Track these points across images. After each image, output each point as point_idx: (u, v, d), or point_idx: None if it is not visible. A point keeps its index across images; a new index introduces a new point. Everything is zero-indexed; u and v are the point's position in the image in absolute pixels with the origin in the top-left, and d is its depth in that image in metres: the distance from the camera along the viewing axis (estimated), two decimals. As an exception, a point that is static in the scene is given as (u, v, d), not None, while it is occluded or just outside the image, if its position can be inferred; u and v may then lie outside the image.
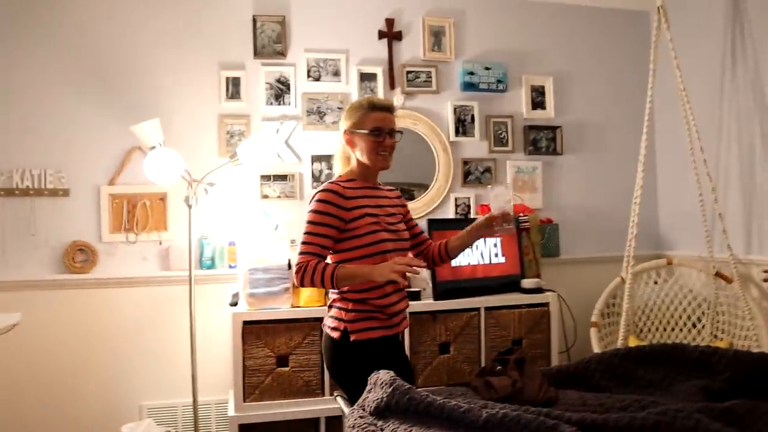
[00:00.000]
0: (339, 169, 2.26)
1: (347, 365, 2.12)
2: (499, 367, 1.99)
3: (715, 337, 3.40)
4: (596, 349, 3.31)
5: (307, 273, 2.00)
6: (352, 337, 2.09)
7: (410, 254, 2.34)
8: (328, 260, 2.10)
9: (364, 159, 2.15)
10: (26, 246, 3.17)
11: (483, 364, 3.12)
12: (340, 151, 2.26)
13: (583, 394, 1.77)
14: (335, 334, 2.11)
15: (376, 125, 2.12)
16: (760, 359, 1.80)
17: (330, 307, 2.21)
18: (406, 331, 3.05)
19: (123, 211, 3.28)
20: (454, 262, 3.21)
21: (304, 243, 2.05)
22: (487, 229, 2.22)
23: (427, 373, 3.13)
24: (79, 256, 3.22)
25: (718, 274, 3.38)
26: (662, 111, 3.94)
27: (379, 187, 2.27)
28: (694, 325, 3.51)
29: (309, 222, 2.06)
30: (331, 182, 2.15)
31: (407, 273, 1.94)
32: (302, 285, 2.03)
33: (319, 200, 2.07)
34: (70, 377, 3.20)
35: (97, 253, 3.24)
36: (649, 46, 3.50)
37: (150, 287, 3.30)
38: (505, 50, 3.87)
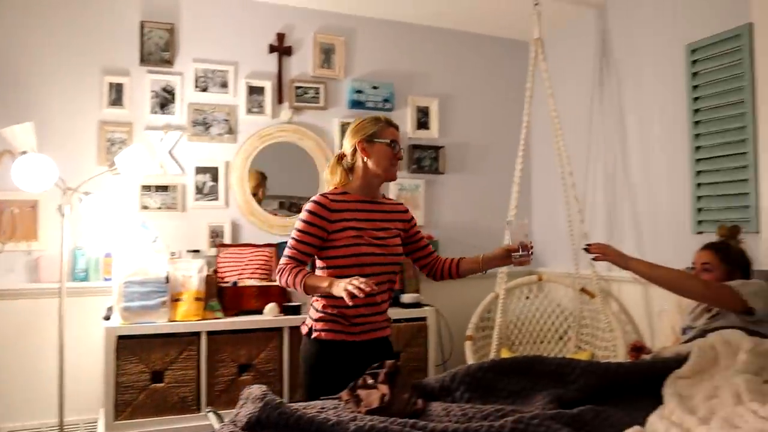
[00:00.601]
0: (327, 179, 2.36)
1: (308, 361, 2.27)
2: (370, 381, 2.03)
3: (579, 348, 3.64)
4: (470, 361, 3.45)
5: (283, 275, 2.16)
6: (314, 335, 2.24)
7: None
8: (319, 264, 2.27)
9: (379, 169, 2.26)
10: None
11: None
12: (333, 163, 2.34)
13: (448, 405, 1.85)
14: (304, 330, 2.29)
15: (393, 138, 2.28)
16: (608, 369, 1.97)
17: (310, 305, 2.35)
18: (284, 344, 3.06)
19: (-11, 219, 3.09)
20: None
21: (288, 248, 2.22)
22: (504, 259, 2.37)
23: (308, 387, 3.14)
24: (-62, 267, 2.99)
25: (583, 290, 3.63)
26: (538, 136, 4.20)
27: (379, 201, 2.36)
28: (561, 338, 3.74)
29: (296, 229, 2.22)
30: (322, 194, 2.26)
31: (355, 293, 1.99)
32: (281, 284, 2.20)
33: (307, 210, 2.22)
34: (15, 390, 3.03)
35: (-31, 262, 3.02)
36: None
37: (17, 300, 3.11)
38: (393, 71, 3.99)
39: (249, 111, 3.59)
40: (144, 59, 3.40)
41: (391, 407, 1.89)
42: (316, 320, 2.26)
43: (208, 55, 3.55)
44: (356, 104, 3.82)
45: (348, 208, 2.24)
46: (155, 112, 3.41)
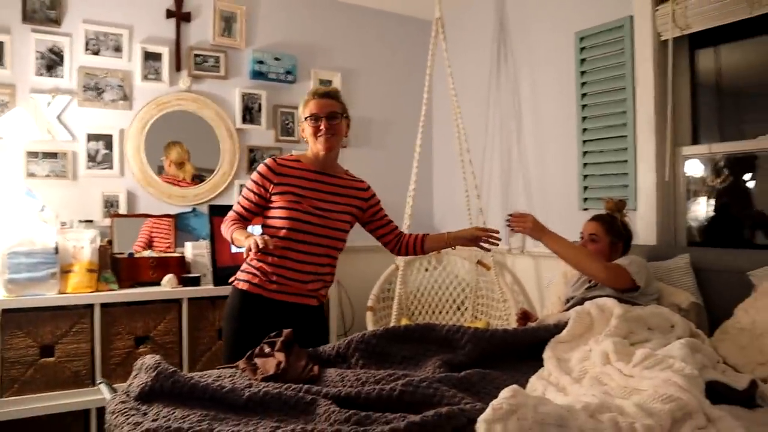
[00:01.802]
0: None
1: (227, 309, 2.40)
2: (267, 350, 2.07)
3: (476, 317, 3.81)
4: (370, 331, 3.54)
5: (223, 225, 2.35)
6: (235, 283, 2.38)
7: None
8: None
9: (310, 144, 2.38)
10: None
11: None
12: None
13: (343, 371, 1.91)
14: (231, 279, 2.42)
15: (311, 112, 2.35)
16: (494, 336, 2.09)
17: None
18: (183, 316, 3.06)
19: None
20: (235, 249, 3.24)
21: (236, 203, 2.40)
22: (472, 241, 2.51)
23: (206, 359, 3.13)
24: None
25: (479, 262, 3.79)
26: (439, 113, 4.31)
27: (336, 174, 2.45)
28: (458, 308, 3.90)
29: (245, 187, 2.40)
30: (272, 157, 2.41)
31: (253, 248, 2.10)
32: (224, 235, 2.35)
33: (255, 171, 2.38)
34: None
35: None
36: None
37: None
38: (296, 43, 3.95)
39: (145, 77, 3.46)
40: (27, 17, 3.19)
41: (287, 374, 1.93)
42: (242, 271, 2.39)
43: (100, 16, 3.37)
44: (258, 75, 3.77)
45: (294, 174, 2.36)
46: (41, 74, 3.21)
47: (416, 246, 2.59)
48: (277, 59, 3.84)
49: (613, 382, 1.70)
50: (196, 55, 3.61)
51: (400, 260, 3.71)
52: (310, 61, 4.00)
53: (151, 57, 3.48)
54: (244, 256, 2.23)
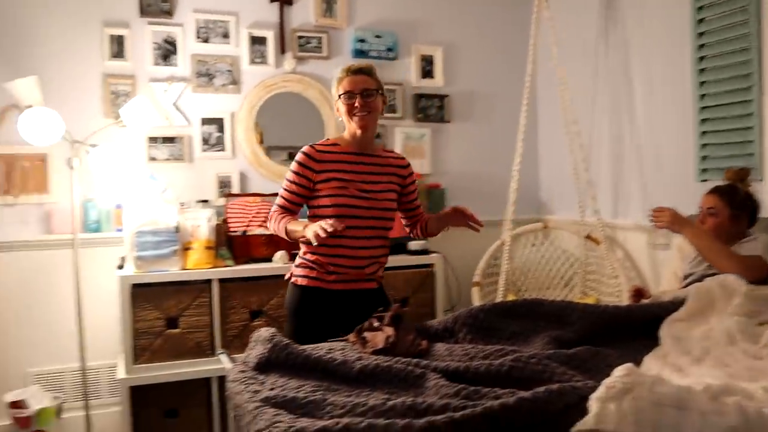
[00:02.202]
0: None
1: (287, 305, 2.40)
2: (376, 324, 2.10)
3: (585, 294, 3.71)
4: (476, 306, 3.53)
5: (271, 222, 2.31)
6: (292, 279, 2.37)
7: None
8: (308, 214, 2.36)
9: (346, 123, 2.33)
10: None
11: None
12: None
13: (451, 345, 1.91)
14: (287, 275, 2.42)
15: (345, 89, 2.28)
16: (605, 312, 2.02)
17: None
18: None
19: (0, 173, 3.14)
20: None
21: (278, 197, 2.35)
22: (455, 218, 2.42)
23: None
24: (-49, 219, 3.07)
25: (588, 237, 3.67)
26: (544, 84, 4.17)
27: (374, 153, 2.40)
28: (566, 284, 3.80)
29: (285, 179, 2.34)
30: (311, 145, 2.35)
31: (320, 233, 2.06)
32: (271, 231, 2.34)
33: (295, 161, 2.32)
34: (28, 331, 3.18)
35: (-27, 215, 3.10)
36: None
37: (32, 251, 3.19)
38: (396, 19, 3.94)
39: (252, 62, 3.59)
40: (144, 11, 3.39)
41: (396, 348, 1.96)
42: (297, 266, 2.38)
43: (209, 5, 3.52)
44: (360, 53, 3.80)
45: (335, 159, 2.31)
46: (158, 64, 3.42)
47: (422, 229, 2.54)
48: (378, 36, 3.85)
49: (738, 363, 1.60)
50: (300, 37, 3.69)
51: (506, 235, 3.66)
52: (411, 36, 3.98)
53: (257, 41, 3.60)
54: (313, 242, 2.10)
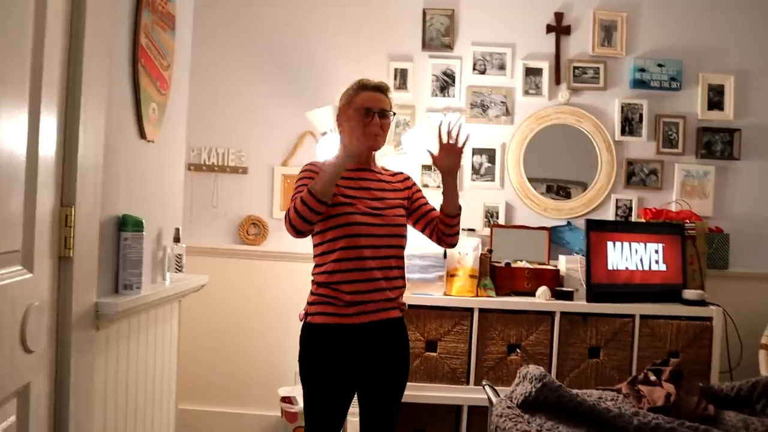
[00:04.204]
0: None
1: (301, 347, 2.11)
2: (653, 378, 1.94)
3: None
4: (765, 373, 3.08)
5: (289, 214, 1.97)
6: (308, 319, 2.09)
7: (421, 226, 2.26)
8: (311, 240, 2.11)
9: (354, 138, 2.03)
10: (208, 216, 3.52)
11: (634, 374, 3.03)
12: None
13: (746, 417, 1.69)
14: (301, 314, 2.13)
15: (363, 105, 2.11)
16: None
17: None
18: (555, 329, 3.04)
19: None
20: (610, 265, 3.13)
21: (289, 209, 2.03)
22: (443, 157, 2.11)
23: (574, 375, 3.08)
24: (252, 230, 3.52)
25: None
26: None
27: (374, 169, 2.21)
28: None
29: (295, 190, 2.07)
30: (311, 162, 2.16)
31: (363, 132, 1.96)
32: (294, 229, 1.97)
33: (301, 176, 2.10)
34: (238, 337, 3.52)
35: (268, 227, 3.52)
36: None
37: (303, 263, 3.52)
38: (681, 46, 3.65)
39: (526, 92, 3.59)
40: (426, 45, 3.58)
41: (678, 408, 1.79)
42: (310, 303, 2.10)
43: (486, 38, 3.60)
44: (639, 84, 3.59)
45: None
46: (435, 95, 3.58)
47: (442, 221, 2.14)
48: (660, 65, 3.60)
49: None
50: (575, 68, 3.60)
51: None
52: (698, 64, 3.65)
53: (531, 72, 3.59)
54: (356, 145, 1.92)
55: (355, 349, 2.04)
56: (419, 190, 2.27)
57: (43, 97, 1.35)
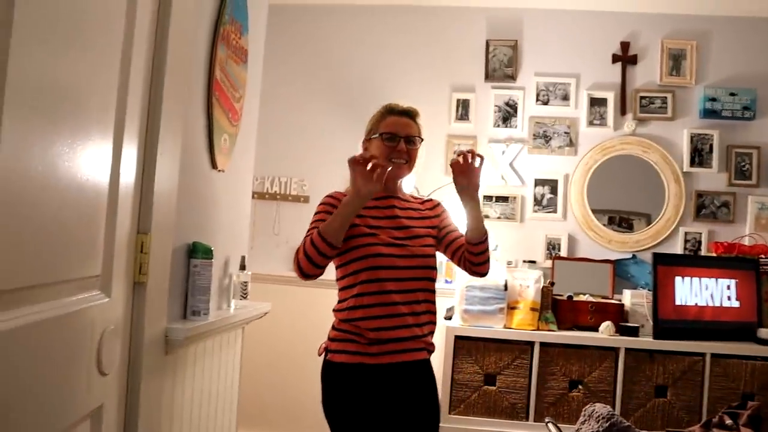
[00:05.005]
0: None
1: (324, 386, 1.98)
2: (729, 422, 1.85)
3: None
4: None
5: (297, 254, 1.88)
6: (328, 356, 1.96)
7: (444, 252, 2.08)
8: (333, 270, 1.98)
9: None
10: (270, 243, 3.59)
11: (704, 416, 2.89)
12: None
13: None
14: (320, 348, 2.02)
15: (389, 130, 1.97)
16: None
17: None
18: (619, 366, 2.94)
19: (352, 220, 3.57)
20: (678, 301, 3.03)
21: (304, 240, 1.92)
22: (458, 179, 1.95)
23: (640, 415, 2.97)
24: (312, 258, 3.56)
25: None
26: None
27: (399, 197, 2.07)
28: None
29: (310, 227, 1.95)
30: (329, 194, 2.03)
31: (378, 169, 1.76)
32: (301, 271, 1.87)
33: (318, 209, 1.99)
34: (297, 364, 3.56)
35: (328, 256, 3.55)
36: None
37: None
38: (755, 74, 3.55)
39: (590, 123, 3.54)
40: (489, 76, 3.59)
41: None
42: (331, 339, 1.95)
43: (550, 68, 3.59)
44: (710, 113, 3.49)
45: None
46: (498, 126, 3.57)
47: (468, 248, 1.95)
48: (732, 94, 3.50)
49: None
50: (642, 98, 3.54)
51: None
52: (773, 94, 3.54)
53: (596, 103, 3.55)
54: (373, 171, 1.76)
55: (379, 391, 1.89)
56: (448, 216, 2.11)
57: (126, 127, 1.41)
